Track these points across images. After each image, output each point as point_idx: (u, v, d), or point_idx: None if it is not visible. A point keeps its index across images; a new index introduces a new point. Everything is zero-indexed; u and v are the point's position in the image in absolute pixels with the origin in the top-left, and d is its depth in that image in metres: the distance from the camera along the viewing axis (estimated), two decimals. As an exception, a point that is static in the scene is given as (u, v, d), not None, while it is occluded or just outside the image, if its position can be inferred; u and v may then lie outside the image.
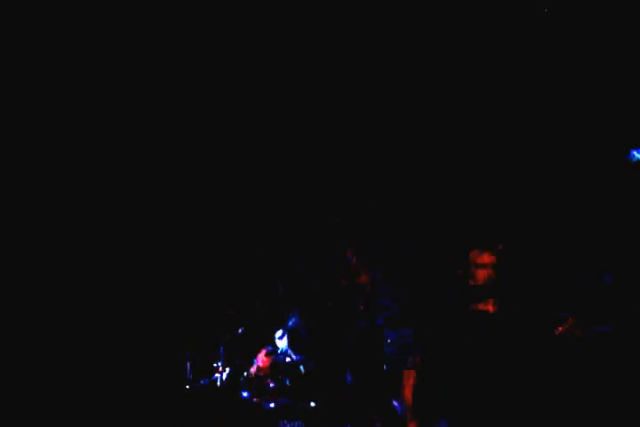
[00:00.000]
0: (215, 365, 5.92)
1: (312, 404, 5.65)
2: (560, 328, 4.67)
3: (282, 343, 6.05)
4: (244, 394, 5.80)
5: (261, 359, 5.99)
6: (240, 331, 6.06)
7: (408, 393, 5.03)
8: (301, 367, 5.93)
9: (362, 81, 5.71)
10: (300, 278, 6.28)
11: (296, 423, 5.56)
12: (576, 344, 4.58)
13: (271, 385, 5.85)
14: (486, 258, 5.03)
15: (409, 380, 5.04)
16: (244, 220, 6.30)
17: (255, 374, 5.95)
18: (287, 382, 5.88)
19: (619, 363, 4.43)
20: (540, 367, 4.55)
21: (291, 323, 6.16)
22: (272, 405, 5.69)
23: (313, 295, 6.19)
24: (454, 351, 4.92)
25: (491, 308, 4.91)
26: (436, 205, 5.66)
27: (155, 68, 5.51)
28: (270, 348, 6.01)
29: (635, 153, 4.95)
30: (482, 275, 5.00)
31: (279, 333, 6.06)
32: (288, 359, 5.97)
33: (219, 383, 5.87)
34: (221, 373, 5.88)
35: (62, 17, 4.94)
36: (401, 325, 5.70)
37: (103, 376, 5.72)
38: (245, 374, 5.94)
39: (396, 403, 5.32)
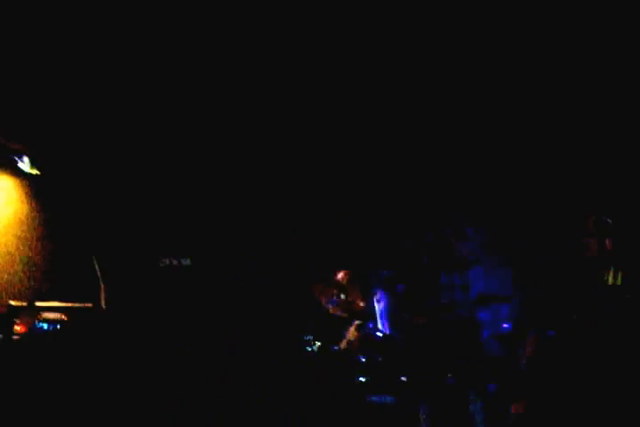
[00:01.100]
0: (305, 338, 5.83)
1: (403, 379, 5.54)
2: None
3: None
4: (334, 368, 5.71)
5: (351, 333, 5.88)
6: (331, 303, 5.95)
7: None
8: (392, 342, 5.82)
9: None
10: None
11: (386, 398, 5.46)
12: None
13: (361, 360, 5.74)
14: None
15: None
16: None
17: (345, 348, 5.85)
18: (377, 357, 5.77)
19: None
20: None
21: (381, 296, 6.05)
22: (362, 379, 5.58)
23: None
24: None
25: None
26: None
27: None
28: (360, 322, 5.89)
29: None
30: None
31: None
32: (379, 333, 5.85)
33: (309, 357, 5.79)
34: (311, 346, 5.79)
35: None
36: (497, 301, 5.60)
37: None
38: (335, 348, 5.85)
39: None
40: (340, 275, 5.93)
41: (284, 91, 5.75)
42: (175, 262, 5.89)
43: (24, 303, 5.38)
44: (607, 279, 4.85)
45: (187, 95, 5.66)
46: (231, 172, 6.20)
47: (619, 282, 4.84)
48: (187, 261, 5.89)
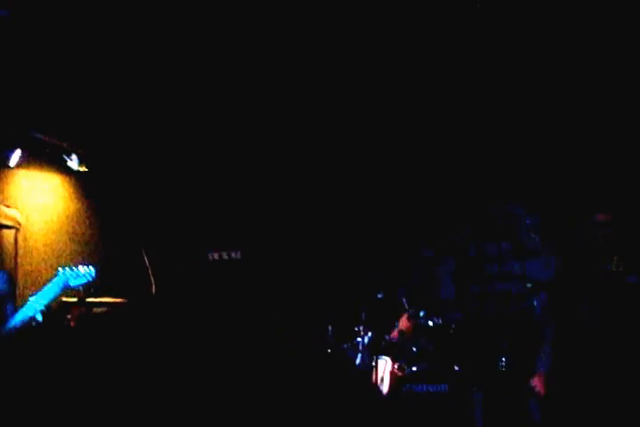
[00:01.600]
0: (357, 329, 5.83)
1: (455, 368, 5.51)
2: None
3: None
4: (386, 358, 5.71)
5: (403, 323, 5.86)
6: (381, 295, 5.93)
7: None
8: (444, 331, 5.79)
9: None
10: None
11: (439, 387, 5.44)
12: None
13: (413, 349, 5.73)
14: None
15: None
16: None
17: (397, 337, 5.84)
18: (429, 346, 5.75)
19: None
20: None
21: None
22: (414, 368, 5.57)
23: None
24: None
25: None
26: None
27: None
28: (412, 311, 5.87)
29: None
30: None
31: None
32: (430, 323, 5.82)
33: (360, 347, 5.78)
34: (363, 337, 5.78)
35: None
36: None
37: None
38: (387, 337, 5.84)
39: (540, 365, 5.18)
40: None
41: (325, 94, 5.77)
42: (226, 256, 5.91)
43: (75, 299, 5.42)
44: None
45: (230, 93, 5.65)
46: (286, 167, 6.20)
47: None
48: (237, 255, 5.91)
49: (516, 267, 5.85)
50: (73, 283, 4.03)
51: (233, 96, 5.64)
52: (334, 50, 5.38)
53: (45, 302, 4.10)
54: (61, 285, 3.96)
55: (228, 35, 5.08)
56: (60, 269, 3.96)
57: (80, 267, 4.04)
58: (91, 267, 4.07)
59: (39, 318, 3.86)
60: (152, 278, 5.87)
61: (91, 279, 4.19)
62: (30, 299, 4.15)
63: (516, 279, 5.79)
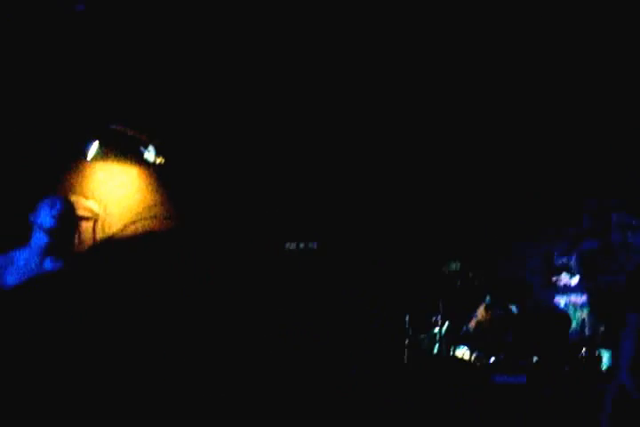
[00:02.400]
0: (434, 319, 5.77)
1: (534, 359, 5.42)
2: None
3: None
4: (464, 348, 5.64)
5: (481, 313, 5.80)
6: (458, 284, 5.87)
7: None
8: (522, 321, 5.71)
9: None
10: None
11: (517, 378, 5.35)
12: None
13: (491, 339, 5.65)
14: None
15: None
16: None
17: (474, 328, 5.77)
18: (508, 337, 5.67)
19: None
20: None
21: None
22: (492, 359, 5.50)
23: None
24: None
25: None
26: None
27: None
28: (490, 301, 5.79)
29: None
30: None
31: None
32: (509, 312, 5.74)
33: (437, 338, 5.73)
34: (440, 327, 5.73)
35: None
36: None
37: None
38: (464, 328, 5.78)
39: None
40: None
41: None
42: (302, 246, 5.91)
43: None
44: None
45: (312, 88, 5.64)
46: (360, 160, 6.19)
47: None
48: (313, 245, 5.90)
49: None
50: None
51: (309, 86, 5.62)
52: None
53: None
54: None
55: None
56: None
57: None
58: None
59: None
60: (227, 269, 5.89)
61: None
62: None
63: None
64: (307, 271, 5.98)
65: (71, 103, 5.52)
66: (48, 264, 3.92)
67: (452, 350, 5.62)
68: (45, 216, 3.88)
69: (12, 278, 3.82)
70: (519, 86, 5.75)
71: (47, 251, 3.91)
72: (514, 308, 5.75)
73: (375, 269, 6.10)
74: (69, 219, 4.00)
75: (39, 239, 3.91)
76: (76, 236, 5.80)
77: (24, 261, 3.90)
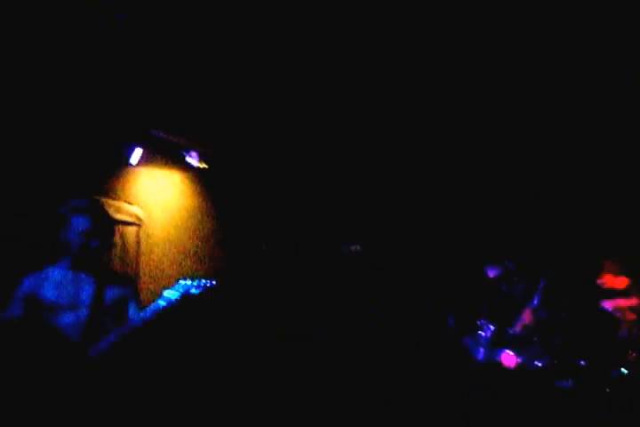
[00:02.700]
0: (479, 322, 5.72)
1: (582, 362, 5.35)
2: None
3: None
4: (510, 352, 5.58)
5: (527, 316, 5.72)
6: (503, 287, 5.81)
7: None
8: (570, 325, 5.63)
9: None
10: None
11: (564, 383, 5.29)
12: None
13: (538, 343, 5.59)
14: None
15: None
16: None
17: (520, 331, 5.71)
18: (555, 340, 5.60)
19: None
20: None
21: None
22: (539, 363, 5.43)
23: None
24: None
25: None
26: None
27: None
28: (536, 304, 5.72)
29: None
30: None
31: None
32: (555, 316, 5.68)
33: (482, 341, 5.68)
34: (486, 330, 5.67)
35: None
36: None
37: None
38: (510, 331, 5.71)
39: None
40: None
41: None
42: (352, 248, 5.92)
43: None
44: None
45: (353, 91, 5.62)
46: (406, 166, 6.17)
47: None
48: (358, 247, 5.90)
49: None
50: (194, 291, 4.02)
51: (361, 93, 5.59)
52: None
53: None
54: (182, 291, 3.95)
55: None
56: (181, 280, 3.96)
57: (202, 280, 4.03)
58: (213, 281, 4.05)
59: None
60: (273, 273, 5.91)
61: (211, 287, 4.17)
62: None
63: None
64: (354, 272, 5.99)
65: (115, 109, 5.56)
66: (83, 278, 3.91)
67: (496, 354, 5.57)
68: (74, 234, 3.83)
69: (51, 293, 3.80)
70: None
71: (81, 265, 3.90)
72: (562, 312, 5.67)
73: (420, 272, 6.08)
74: (99, 233, 3.92)
75: (71, 254, 3.89)
76: (120, 241, 5.87)
77: (60, 276, 3.89)
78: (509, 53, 5.11)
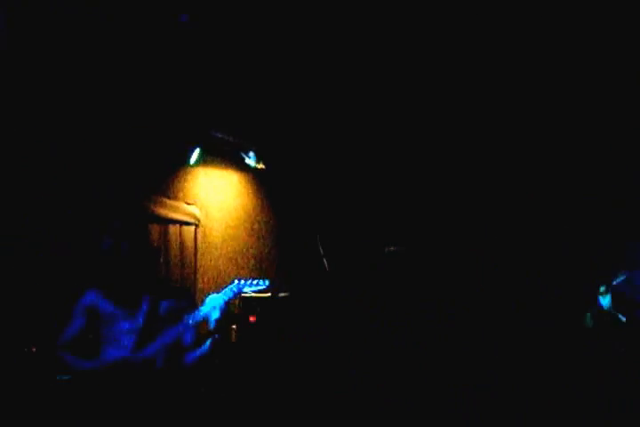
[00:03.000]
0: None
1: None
2: None
3: (605, 301, 5.64)
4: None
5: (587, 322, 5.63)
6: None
7: None
8: (632, 330, 5.51)
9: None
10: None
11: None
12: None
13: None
14: None
15: None
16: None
17: (580, 337, 5.61)
18: (617, 346, 5.49)
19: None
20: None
21: (616, 281, 5.73)
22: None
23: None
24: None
25: None
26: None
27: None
28: (596, 310, 5.62)
29: None
30: None
31: (602, 289, 5.64)
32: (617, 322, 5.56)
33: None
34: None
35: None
36: None
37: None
38: (570, 336, 5.63)
39: None
40: None
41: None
42: (394, 248, 5.89)
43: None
44: None
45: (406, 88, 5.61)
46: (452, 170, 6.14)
47: None
48: (400, 248, 5.88)
49: None
50: (247, 290, 4.02)
51: (408, 91, 5.57)
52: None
53: (224, 299, 4.08)
54: (236, 291, 3.95)
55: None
56: (236, 280, 3.94)
57: (255, 280, 4.02)
58: (266, 281, 4.03)
59: (216, 315, 3.83)
60: (327, 270, 5.89)
61: (265, 288, 4.15)
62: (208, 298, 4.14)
63: None
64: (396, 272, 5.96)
65: (174, 111, 5.63)
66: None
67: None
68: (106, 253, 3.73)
69: (110, 305, 3.79)
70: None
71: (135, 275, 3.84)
72: (622, 317, 5.56)
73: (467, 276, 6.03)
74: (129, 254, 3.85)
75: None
76: (178, 241, 5.94)
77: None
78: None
